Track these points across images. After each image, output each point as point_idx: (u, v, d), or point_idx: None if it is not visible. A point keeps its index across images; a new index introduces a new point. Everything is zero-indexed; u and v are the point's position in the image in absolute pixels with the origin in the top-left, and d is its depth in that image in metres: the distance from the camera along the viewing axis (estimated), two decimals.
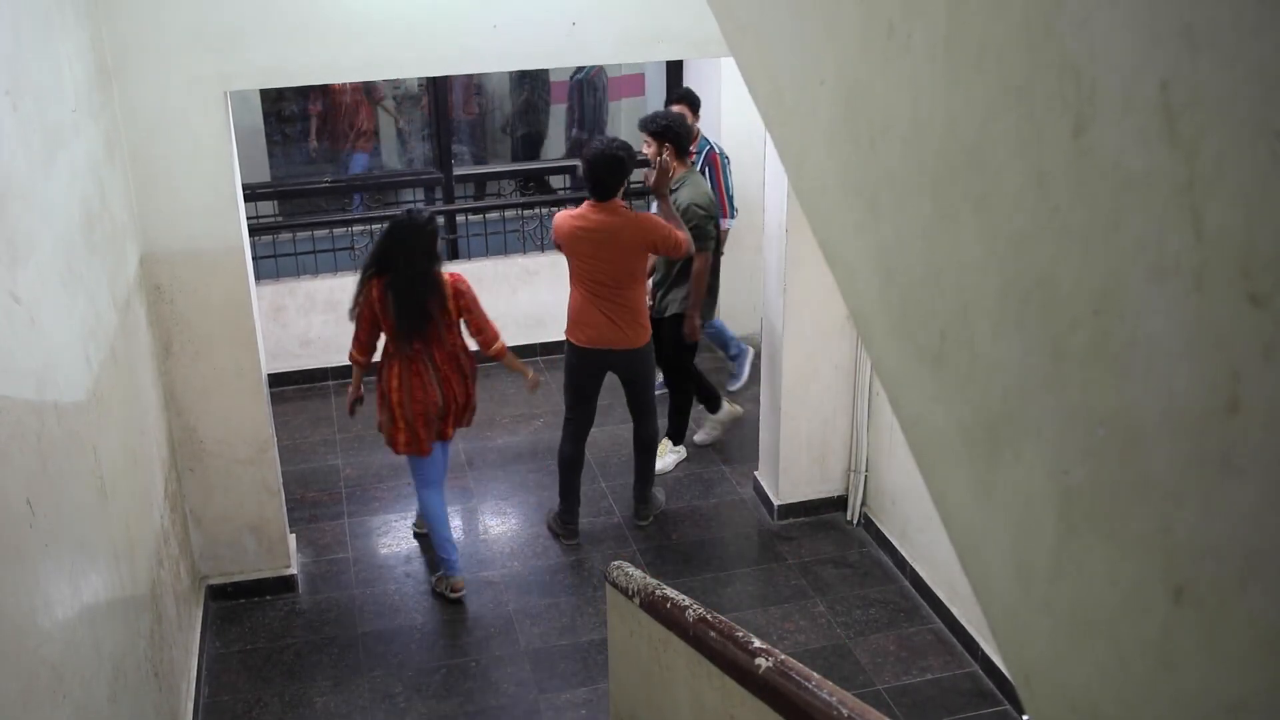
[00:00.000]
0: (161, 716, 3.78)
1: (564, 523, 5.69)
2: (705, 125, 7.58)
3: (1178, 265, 0.69)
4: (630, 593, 3.43)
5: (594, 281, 5.25)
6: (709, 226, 5.70)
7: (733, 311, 7.69)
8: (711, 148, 6.64)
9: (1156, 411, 0.72)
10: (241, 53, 4.47)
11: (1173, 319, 0.70)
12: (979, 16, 0.89)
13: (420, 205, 5.45)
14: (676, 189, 5.67)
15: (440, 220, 7.79)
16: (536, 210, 7.84)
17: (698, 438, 6.60)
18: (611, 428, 6.77)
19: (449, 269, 5.16)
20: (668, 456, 6.33)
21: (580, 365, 5.46)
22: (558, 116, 9.59)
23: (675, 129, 5.69)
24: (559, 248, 5.40)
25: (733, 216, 6.73)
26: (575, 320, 5.40)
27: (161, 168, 4.51)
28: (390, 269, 4.85)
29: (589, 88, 9.18)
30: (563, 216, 5.30)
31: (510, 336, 7.51)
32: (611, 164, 5.09)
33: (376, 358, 5.10)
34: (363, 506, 6.01)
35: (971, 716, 4.53)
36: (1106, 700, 0.81)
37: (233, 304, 4.80)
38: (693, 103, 6.61)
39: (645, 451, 5.77)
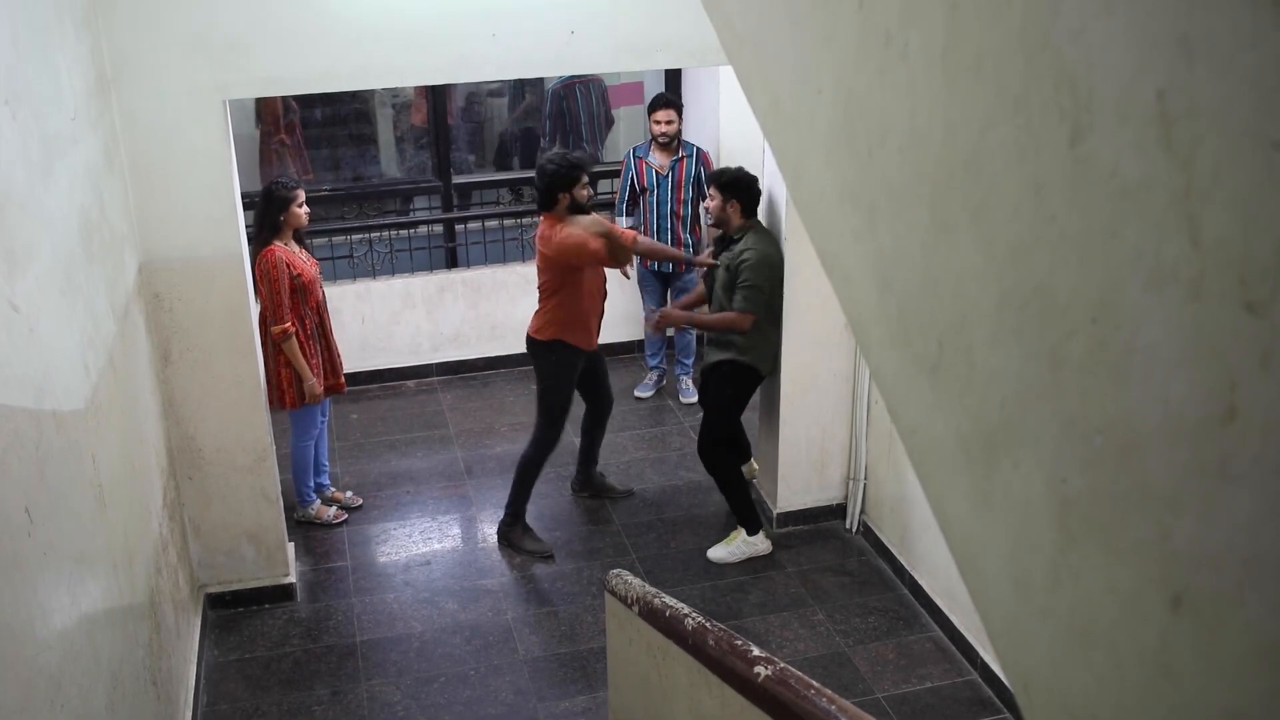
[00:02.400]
0: None
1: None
2: (699, 133, 7.61)
3: (1175, 274, 0.69)
4: (629, 601, 3.43)
5: None
6: (762, 283, 5.26)
7: None
8: (699, 148, 6.81)
9: (1154, 420, 0.72)
10: (240, 61, 4.47)
11: (1170, 327, 0.70)
12: (976, 25, 0.89)
13: (288, 178, 5.56)
14: (739, 239, 5.35)
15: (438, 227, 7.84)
16: (535, 219, 7.85)
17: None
18: (610, 436, 6.77)
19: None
20: (736, 544, 5.59)
21: None
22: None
23: (746, 183, 5.39)
24: None
25: None
26: None
27: (160, 176, 4.52)
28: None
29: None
30: None
31: (510, 345, 7.57)
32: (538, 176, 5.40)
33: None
34: (360, 515, 6.01)
35: None
36: (1105, 709, 0.81)
37: (231, 312, 4.80)
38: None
39: (517, 467, 5.66)
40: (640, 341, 7.70)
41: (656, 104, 6.75)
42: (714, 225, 5.50)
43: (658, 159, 6.76)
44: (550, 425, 5.59)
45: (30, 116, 3.05)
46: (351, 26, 4.59)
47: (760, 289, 5.24)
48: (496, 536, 5.73)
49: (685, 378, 7.24)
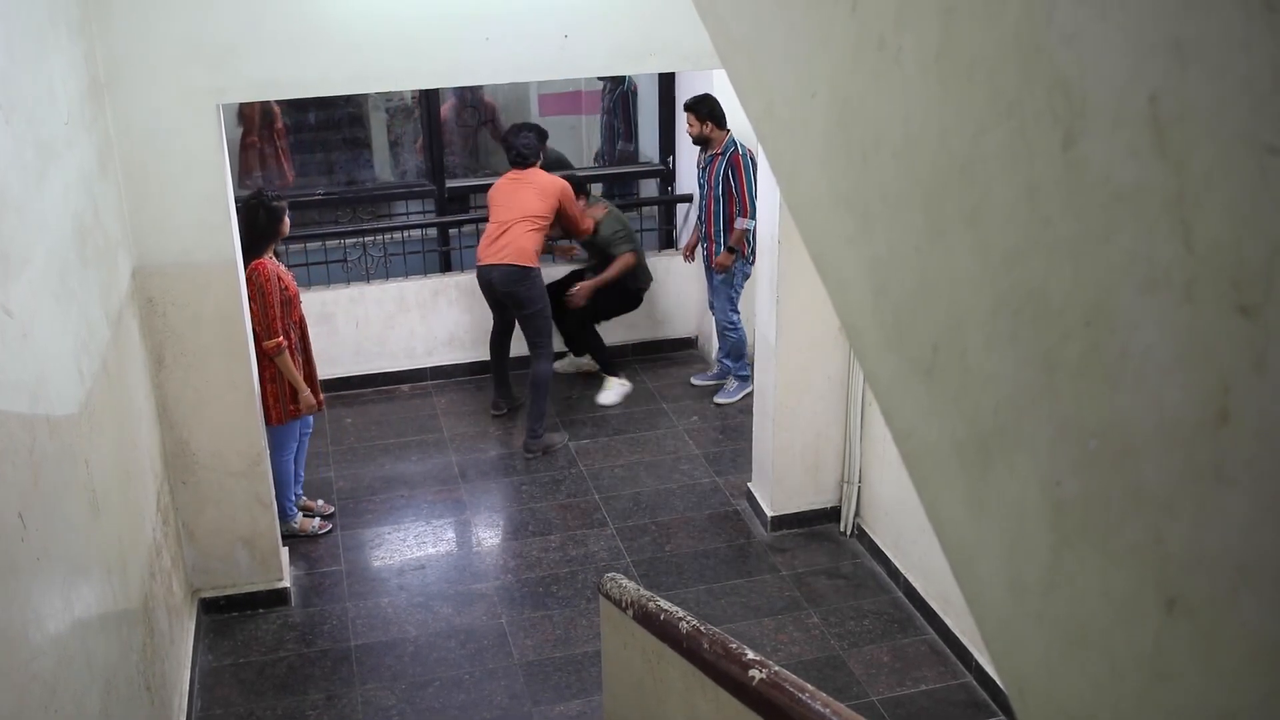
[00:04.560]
0: None
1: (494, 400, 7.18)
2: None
3: (1168, 277, 0.69)
4: (623, 605, 3.43)
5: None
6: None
7: None
8: (736, 149, 6.76)
9: (1148, 423, 0.72)
10: (234, 65, 4.47)
11: (1163, 331, 0.70)
12: (970, 30, 0.90)
13: (273, 188, 5.57)
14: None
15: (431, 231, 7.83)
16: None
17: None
18: (605, 439, 6.78)
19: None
20: (613, 388, 7.26)
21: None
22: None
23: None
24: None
25: (753, 217, 6.75)
26: None
27: (154, 180, 4.51)
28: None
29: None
30: None
31: None
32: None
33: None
34: (355, 519, 6.00)
35: None
36: (1100, 712, 0.81)
37: (225, 317, 4.80)
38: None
39: (531, 388, 6.63)
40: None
41: (685, 106, 6.96)
42: (696, 143, 6.89)
43: (698, 156, 7.02)
44: (547, 339, 6.66)
45: (24, 121, 3.04)
46: (346, 31, 4.59)
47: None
48: (528, 451, 6.63)
49: (731, 377, 7.32)
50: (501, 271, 6.50)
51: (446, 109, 8.56)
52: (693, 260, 7.66)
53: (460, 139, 9.08)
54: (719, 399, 7.23)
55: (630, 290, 7.28)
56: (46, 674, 2.58)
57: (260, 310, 5.18)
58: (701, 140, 6.84)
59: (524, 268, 6.49)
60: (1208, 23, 0.64)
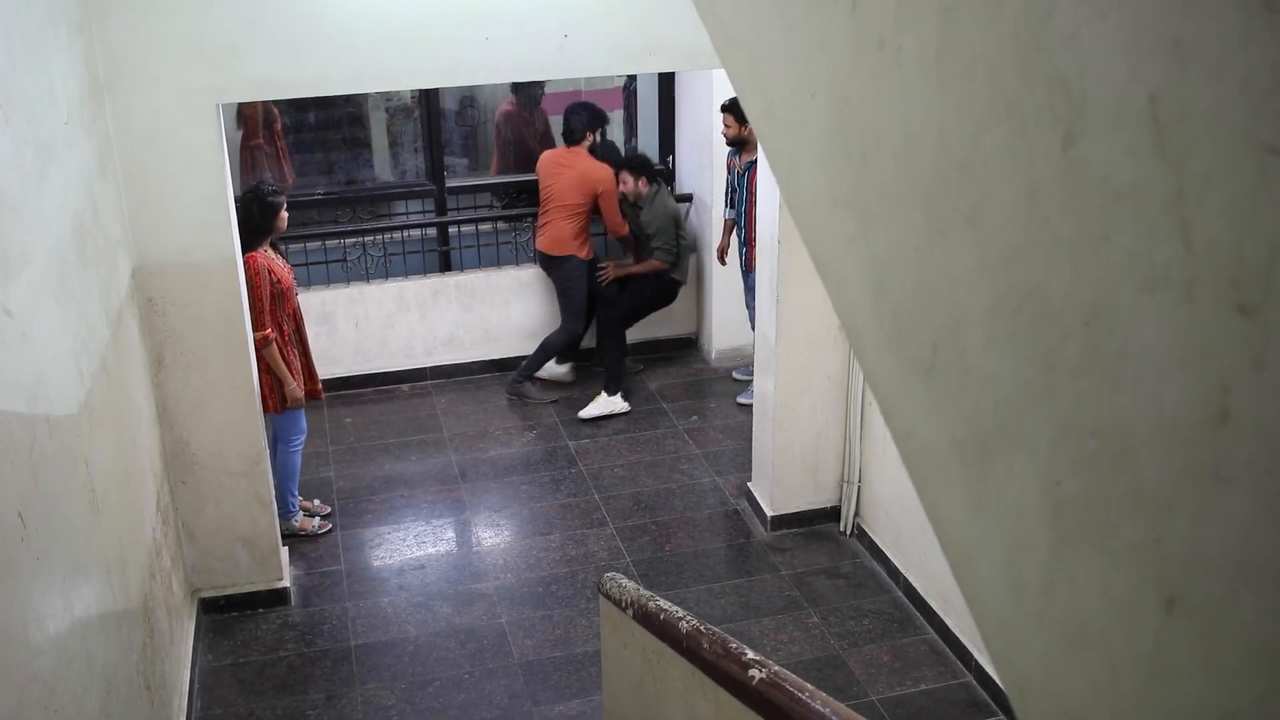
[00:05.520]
0: None
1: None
2: (692, 136, 7.61)
3: (1168, 277, 0.69)
4: (623, 604, 3.43)
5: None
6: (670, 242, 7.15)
7: (726, 322, 7.70)
8: None
9: (1147, 423, 0.72)
10: (233, 65, 4.47)
11: (1163, 330, 0.70)
12: (969, 30, 0.89)
13: (269, 184, 5.53)
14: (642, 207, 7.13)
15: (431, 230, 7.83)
16: (529, 223, 7.85)
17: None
18: (605, 439, 6.78)
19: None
20: (600, 403, 7.12)
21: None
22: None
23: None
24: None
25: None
26: None
27: (154, 180, 4.51)
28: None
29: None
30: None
31: (504, 349, 7.57)
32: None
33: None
34: (355, 519, 6.00)
35: None
36: (1099, 712, 0.81)
37: (225, 316, 4.80)
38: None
39: (540, 346, 7.26)
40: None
41: (722, 108, 6.79)
42: (730, 144, 6.78)
43: (734, 159, 6.90)
44: (574, 318, 7.20)
45: (24, 121, 3.05)
46: (346, 31, 4.59)
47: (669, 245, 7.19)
48: (508, 391, 7.26)
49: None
50: (542, 257, 7.23)
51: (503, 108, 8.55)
52: (726, 265, 7.40)
53: (515, 137, 9.01)
54: (742, 399, 7.11)
55: (665, 284, 7.35)
56: (46, 674, 2.58)
57: (249, 303, 5.19)
58: (737, 142, 6.72)
59: (555, 257, 7.11)
60: (1207, 22, 0.64)
